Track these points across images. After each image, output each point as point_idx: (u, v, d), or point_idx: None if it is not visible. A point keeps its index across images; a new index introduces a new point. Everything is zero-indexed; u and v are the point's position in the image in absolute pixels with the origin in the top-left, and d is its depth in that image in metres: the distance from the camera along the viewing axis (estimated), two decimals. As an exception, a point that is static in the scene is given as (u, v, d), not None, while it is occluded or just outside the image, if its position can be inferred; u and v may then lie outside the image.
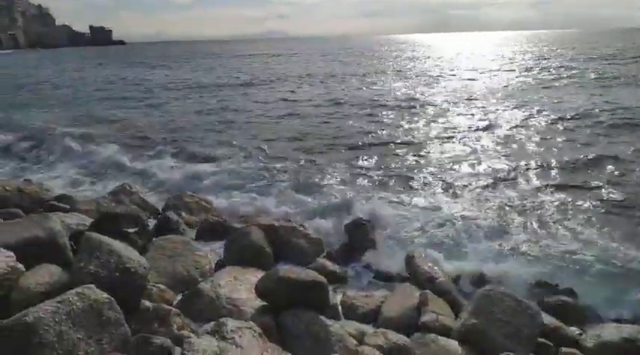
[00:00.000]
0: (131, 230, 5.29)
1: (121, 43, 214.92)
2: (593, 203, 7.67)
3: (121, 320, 3.29)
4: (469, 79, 26.57)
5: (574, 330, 4.41)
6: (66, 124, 15.79)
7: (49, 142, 12.84)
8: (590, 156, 10.18)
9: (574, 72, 27.22)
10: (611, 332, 4.19)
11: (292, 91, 23.44)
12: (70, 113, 18.33)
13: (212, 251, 5.88)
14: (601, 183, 8.55)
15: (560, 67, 29.80)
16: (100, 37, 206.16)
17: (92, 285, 3.29)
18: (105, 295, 3.27)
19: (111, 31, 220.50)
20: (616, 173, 9.14)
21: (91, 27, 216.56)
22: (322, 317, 3.95)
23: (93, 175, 10.00)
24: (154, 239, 5.52)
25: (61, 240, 4.45)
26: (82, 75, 38.59)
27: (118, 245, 4.05)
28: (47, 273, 3.92)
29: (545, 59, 40.32)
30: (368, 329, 4.13)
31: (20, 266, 3.87)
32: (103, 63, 57.54)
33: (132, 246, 4.66)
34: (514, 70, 30.51)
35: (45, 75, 39.68)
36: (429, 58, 49.55)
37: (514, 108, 16.33)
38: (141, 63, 55.23)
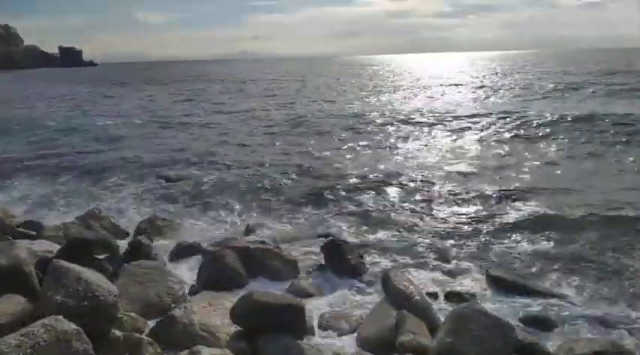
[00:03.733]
0: (101, 256, 5.15)
1: (92, 64, 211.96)
2: (569, 215, 7.83)
3: (90, 351, 3.18)
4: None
5: (547, 344, 4.46)
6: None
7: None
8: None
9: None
10: (583, 345, 4.25)
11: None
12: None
13: (185, 276, 5.77)
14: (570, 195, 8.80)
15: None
16: (69, 57, 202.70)
17: (59, 316, 3.17)
18: (73, 326, 3.15)
19: (81, 51, 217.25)
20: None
21: (60, 47, 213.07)
22: (299, 341, 3.90)
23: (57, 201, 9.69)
24: (125, 265, 5.38)
25: (27, 269, 4.30)
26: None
27: (86, 272, 3.93)
28: (12, 304, 3.77)
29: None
30: (345, 350, 4.09)
31: (-18, 297, 3.71)
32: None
33: (102, 272, 4.52)
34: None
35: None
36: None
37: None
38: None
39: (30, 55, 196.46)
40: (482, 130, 16.17)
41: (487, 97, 27.04)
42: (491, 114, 19.03)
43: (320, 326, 4.78)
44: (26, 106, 30.76)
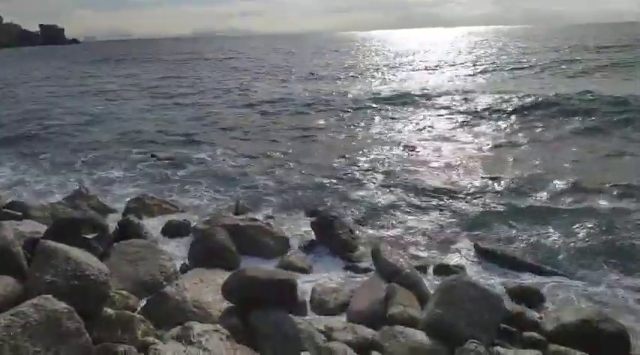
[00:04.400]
0: (90, 236, 5.10)
1: (75, 42, 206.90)
2: (562, 196, 7.84)
3: (82, 329, 3.17)
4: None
5: (534, 314, 4.56)
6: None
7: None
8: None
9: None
10: (569, 314, 4.35)
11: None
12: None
13: (176, 254, 5.77)
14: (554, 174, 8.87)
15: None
16: (51, 35, 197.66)
17: (49, 296, 3.16)
18: (63, 305, 3.14)
19: (63, 29, 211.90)
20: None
21: (41, 25, 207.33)
22: (291, 316, 3.93)
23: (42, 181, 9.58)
24: (115, 244, 5.35)
25: (14, 249, 4.24)
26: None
27: (75, 252, 3.90)
28: (0, 285, 3.73)
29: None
30: (337, 324, 4.13)
31: (-30, 279, 3.68)
32: None
33: (92, 252, 4.49)
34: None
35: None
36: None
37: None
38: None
39: (10, 34, 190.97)
40: (477, 111, 15.58)
41: (483, 74, 26.66)
42: (485, 93, 18.35)
43: (311, 301, 4.84)
44: (6, 86, 30.06)
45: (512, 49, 48.24)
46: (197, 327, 3.44)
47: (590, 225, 6.60)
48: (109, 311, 3.72)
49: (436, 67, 32.37)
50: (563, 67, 25.98)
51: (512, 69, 27.80)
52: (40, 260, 3.80)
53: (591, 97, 15.45)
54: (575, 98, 15.53)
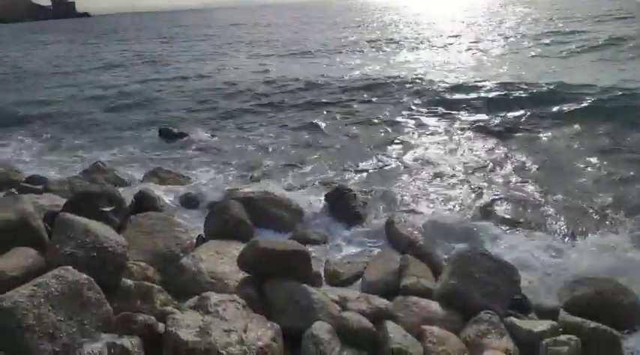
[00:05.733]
0: (107, 208, 5.19)
1: (86, 15, 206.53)
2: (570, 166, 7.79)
3: (102, 299, 3.26)
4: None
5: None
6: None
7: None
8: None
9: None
10: (583, 285, 4.34)
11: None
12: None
13: (192, 226, 5.84)
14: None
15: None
16: (62, 9, 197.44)
17: (69, 267, 3.24)
18: (84, 276, 3.22)
19: (74, 2, 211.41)
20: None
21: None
22: (305, 286, 3.98)
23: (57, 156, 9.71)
24: (131, 216, 5.43)
25: (35, 222, 4.34)
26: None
27: (93, 224, 3.98)
28: (22, 257, 3.83)
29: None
30: (351, 294, 4.18)
31: (-7, 251, 3.77)
32: None
33: (109, 224, 4.58)
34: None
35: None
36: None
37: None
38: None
39: (21, 8, 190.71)
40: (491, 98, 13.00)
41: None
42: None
43: (325, 273, 4.88)
44: (16, 61, 30.18)
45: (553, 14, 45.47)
46: (214, 297, 3.50)
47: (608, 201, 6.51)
48: (128, 282, 3.81)
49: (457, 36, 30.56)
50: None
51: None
52: (60, 232, 3.89)
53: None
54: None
